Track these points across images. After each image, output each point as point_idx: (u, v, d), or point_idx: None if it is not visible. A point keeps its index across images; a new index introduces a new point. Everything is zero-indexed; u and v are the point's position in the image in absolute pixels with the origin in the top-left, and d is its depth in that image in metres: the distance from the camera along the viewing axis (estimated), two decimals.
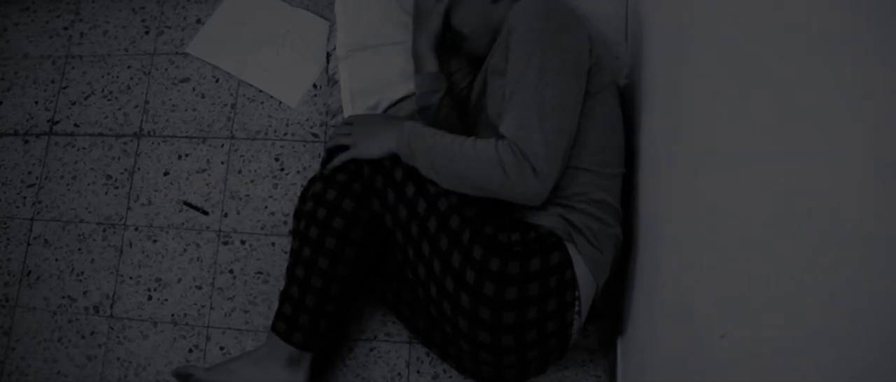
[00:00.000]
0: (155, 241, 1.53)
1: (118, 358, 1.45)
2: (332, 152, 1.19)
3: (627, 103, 1.23)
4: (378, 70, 1.41)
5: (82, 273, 1.54)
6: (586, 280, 1.06)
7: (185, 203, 1.55)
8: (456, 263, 1.03)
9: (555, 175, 1.02)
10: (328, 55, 1.49)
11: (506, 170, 0.99)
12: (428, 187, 1.09)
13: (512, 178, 0.99)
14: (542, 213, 1.08)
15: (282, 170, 1.55)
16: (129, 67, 1.71)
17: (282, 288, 1.20)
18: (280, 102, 1.60)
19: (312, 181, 1.26)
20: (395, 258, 1.16)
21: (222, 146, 1.59)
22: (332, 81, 1.45)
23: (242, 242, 1.50)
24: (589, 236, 1.06)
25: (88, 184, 1.61)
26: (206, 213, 1.54)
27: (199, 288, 1.48)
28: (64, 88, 1.72)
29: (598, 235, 1.07)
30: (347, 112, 1.40)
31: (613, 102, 1.14)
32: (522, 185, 0.99)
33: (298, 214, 1.21)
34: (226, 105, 1.63)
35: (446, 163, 1.05)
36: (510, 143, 1.00)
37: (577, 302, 1.06)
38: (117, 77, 1.70)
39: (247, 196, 1.54)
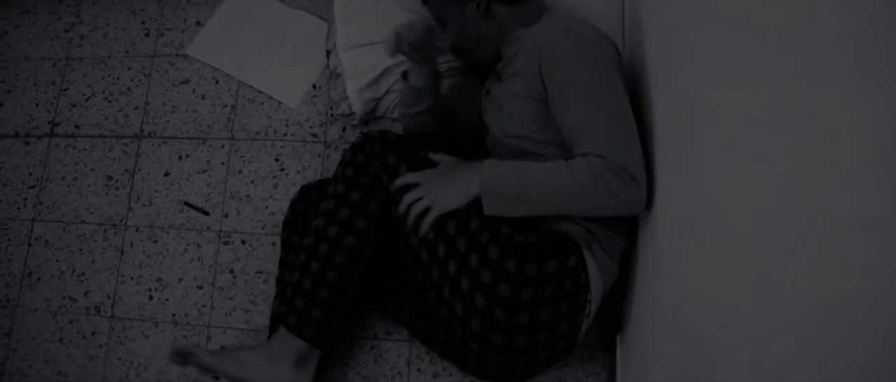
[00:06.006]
0: (156, 241, 1.54)
1: (119, 358, 1.46)
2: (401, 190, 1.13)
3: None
4: (379, 60, 1.42)
5: (83, 273, 1.54)
6: (598, 283, 1.08)
7: (186, 203, 1.56)
8: (473, 263, 1.03)
9: (645, 178, 1.00)
10: (328, 53, 1.50)
11: (611, 190, 0.97)
12: None
13: (620, 197, 0.97)
14: (566, 219, 1.09)
15: (282, 170, 1.55)
16: (129, 69, 1.71)
17: (293, 281, 1.17)
18: (280, 103, 1.61)
19: (304, 188, 1.33)
20: (404, 262, 1.16)
21: (222, 147, 1.60)
22: (335, 76, 1.46)
23: (243, 242, 1.51)
24: (605, 245, 1.08)
25: (89, 185, 1.62)
26: (206, 213, 1.54)
27: (200, 287, 1.49)
28: (64, 90, 1.72)
29: (613, 244, 1.10)
30: (352, 95, 1.41)
31: None
32: (629, 200, 0.98)
33: (304, 216, 1.22)
34: (226, 106, 1.63)
35: (544, 197, 1.01)
36: (605, 160, 0.97)
37: (588, 305, 1.07)
38: (118, 79, 1.71)
39: (247, 196, 1.54)
